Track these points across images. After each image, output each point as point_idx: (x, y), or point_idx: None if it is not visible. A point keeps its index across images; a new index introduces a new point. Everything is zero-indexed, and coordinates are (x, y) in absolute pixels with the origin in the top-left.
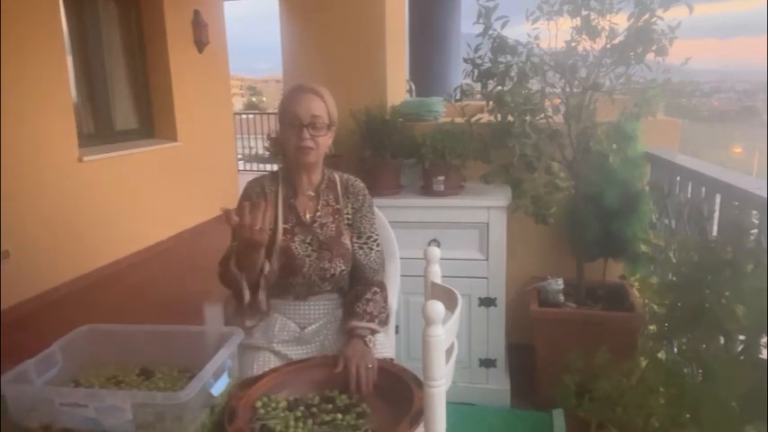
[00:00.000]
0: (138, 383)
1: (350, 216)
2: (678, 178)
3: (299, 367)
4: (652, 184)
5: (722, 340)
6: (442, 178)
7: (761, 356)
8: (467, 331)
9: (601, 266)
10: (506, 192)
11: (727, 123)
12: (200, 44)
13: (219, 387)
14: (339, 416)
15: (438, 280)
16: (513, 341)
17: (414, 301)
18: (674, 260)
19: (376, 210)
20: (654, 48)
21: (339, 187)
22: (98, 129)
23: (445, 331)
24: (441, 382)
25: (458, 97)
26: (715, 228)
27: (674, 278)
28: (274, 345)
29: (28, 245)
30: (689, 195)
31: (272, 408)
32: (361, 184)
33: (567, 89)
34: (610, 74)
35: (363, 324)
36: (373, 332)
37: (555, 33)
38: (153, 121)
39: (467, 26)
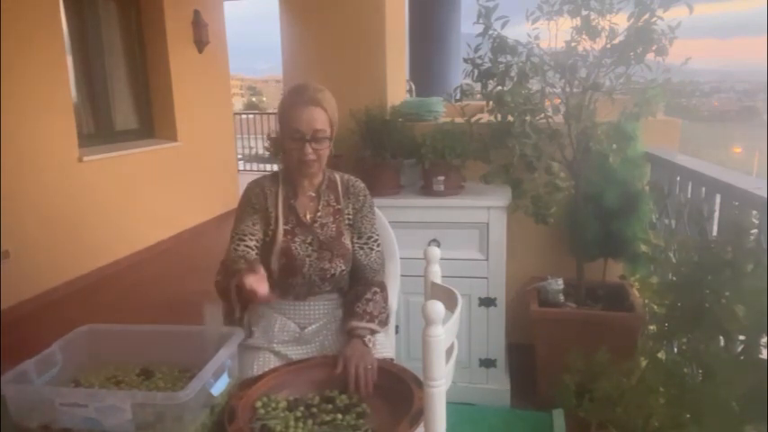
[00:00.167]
0: (138, 383)
1: (350, 216)
2: (678, 178)
3: (298, 367)
4: (652, 184)
5: (722, 340)
6: (442, 178)
7: (761, 356)
8: (467, 331)
9: (601, 266)
10: (506, 192)
11: (727, 123)
12: (200, 44)
13: (219, 387)
14: (339, 416)
15: (438, 280)
16: (513, 341)
17: (414, 301)
18: (674, 260)
19: (376, 210)
20: (654, 48)
21: (340, 187)
22: (98, 129)
23: (445, 331)
24: (441, 382)
25: (458, 97)
26: (715, 228)
27: (674, 278)
28: (274, 345)
29: (28, 245)
30: (689, 195)
31: (272, 408)
32: (362, 185)
33: (567, 89)
34: (610, 74)
35: (363, 324)
36: (373, 332)
37: (555, 33)
38: (153, 121)
39: (467, 26)
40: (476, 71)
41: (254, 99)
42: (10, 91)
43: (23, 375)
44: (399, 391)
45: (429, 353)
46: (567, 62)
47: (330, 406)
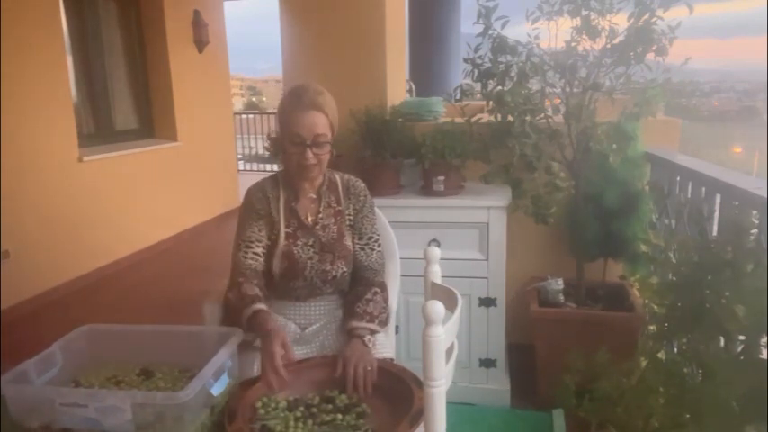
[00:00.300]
0: (138, 383)
1: (351, 217)
2: (678, 178)
3: (298, 367)
4: (652, 184)
5: (722, 340)
6: (442, 178)
7: (761, 356)
8: (467, 331)
9: (601, 266)
10: (506, 192)
11: (727, 123)
12: (200, 44)
13: (219, 387)
14: (339, 416)
15: (438, 280)
16: (513, 341)
17: (414, 301)
18: (674, 260)
19: (376, 210)
20: (654, 48)
21: (340, 188)
22: (98, 129)
23: (445, 331)
24: (441, 382)
25: (458, 97)
26: (715, 228)
27: (674, 278)
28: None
29: (28, 245)
30: (689, 195)
31: (272, 408)
32: (362, 185)
33: (567, 89)
34: (610, 74)
35: (363, 324)
36: (373, 332)
37: (555, 33)
38: (153, 121)
39: (467, 26)
40: (476, 71)
41: (254, 99)
42: (10, 91)
43: (23, 375)
44: (399, 391)
45: (429, 353)
46: (567, 62)
47: (330, 406)
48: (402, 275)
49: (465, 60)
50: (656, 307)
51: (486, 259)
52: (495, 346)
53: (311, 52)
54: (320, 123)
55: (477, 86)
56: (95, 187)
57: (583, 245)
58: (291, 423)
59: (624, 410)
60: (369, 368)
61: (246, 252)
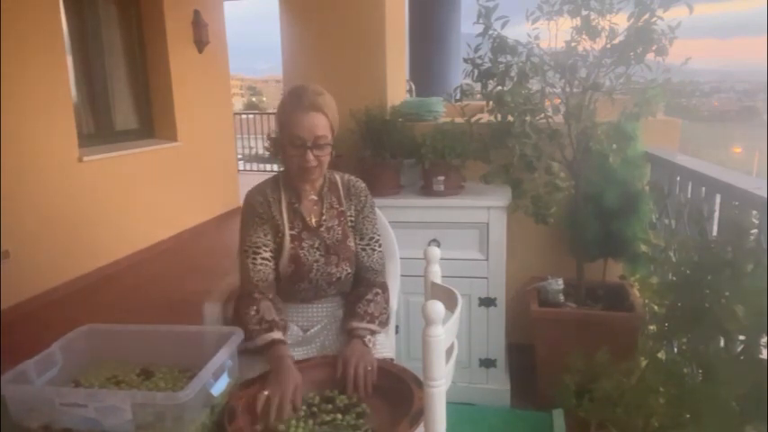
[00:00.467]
0: (138, 383)
1: (353, 218)
2: (678, 178)
3: (299, 367)
4: (652, 184)
5: (722, 340)
6: (442, 178)
7: (761, 356)
8: (467, 331)
9: (601, 266)
10: (506, 192)
11: (727, 123)
12: (200, 44)
13: (219, 387)
14: (339, 416)
15: (438, 280)
16: (513, 341)
17: (414, 301)
18: (674, 260)
19: (376, 210)
20: (654, 48)
21: (341, 189)
22: (98, 129)
23: (445, 331)
24: (441, 382)
25: (458, 97)
26: (715, 228)
27: (674, 278)
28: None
29: (28, 245)
30: (689, 195)
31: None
32: (362, 185)
33: (567, 89)
34: (610, 74)
35: (363, 325)
36: (373, 333)
37: (555, 33)
38: (153, 121)
39: (467, 26)
40: (476, 71)
41: (254, 99)
42: (10, 91)
43: (23, 375)
44: (399, 391)
45: (429, 353)
46: (567, 62)
47: (330, 406)
48: (402, 275)
49: (465, 60)
50: (656, 307)
51: (486, 259)
52: (495, 346)
53: (311, 52)
54: (320, 125)
55: (477, 86)
56: (95, 187)
57: (583, 245)
58: (293, 423)
59: (624, 410)
60: (369, 368)
61: (255, 258)
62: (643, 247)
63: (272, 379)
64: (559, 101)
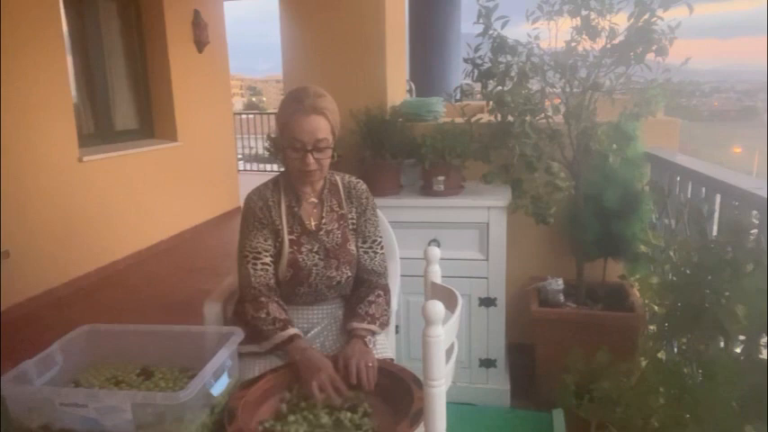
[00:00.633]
0: (138, 383)
1: (354, 221)
2: (678, 178)
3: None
4: (652, 184)
5: (722, 340)
6: (442, 178)
7: (761, 356)
8: (467, 331)
9: (601, 266)
10: (506, 192)
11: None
12: (200, 44)
13: (219, 387)
14: (345, 414)
15: (438, 280)
16: (513, 341)
17: (414, 301)
18: (674, 260)
19: (377, 211)
20: (654, 48)
21: (342, 191)
22: (98, 129)
23: (445, 331)
24: (441, 382)
25: (458, 97)
26: (715, 228)
27: (674, 278)
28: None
29: (28, 245)
30: (689, 195)
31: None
32: (364, 186)
33: (567, 89)
34: (610, 74)
35: (364, 326)
36: (374, 334)
37: (555, 33)
38: (153, 121)
39: (467, 26)
40: (476, 71)
41: (254, 99)
42: (10, 91)
43: (23, 375)
44: (399, 391)
45: (429, 353)
46: (567, 62)
47: (326, 408)
48: (402, 275)
49: (465, 60)
50: (656, 307)
51: (486, 259)
52: (495, 346)
53: (311, 52)
54: (321, 128)
55: (477, 86)
56: (95, 187)
57: (583, 245)
58: (291, 418)
59: (624, 410)
60: (370, 365)
61: (256, 263)
62: (643, 247)
63: (305, 370)
64: (559, 101)
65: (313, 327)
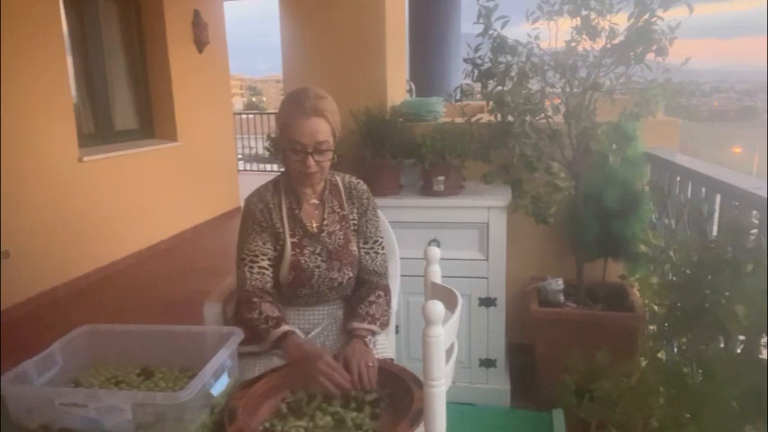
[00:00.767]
0: (138, 383)
1: (355, 221)
2: (678, 178)
3: None
4: (652, 184)
5: (722, 340)
6: (442, 178)
7: (761, 356)
8: (467, 331)
9: (601, 266)
10: (506, 192)
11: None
12: (200, 44)
13: (219, 387)
14: (349, 413)
15: (438, 280)
16: (513, 341)
17: (414, 301)
18: (674, 260)
19: (378, 211)
20: (654, 48)
21: (342, 192)
22: (98, 129)
23: (445, 331)
24: (441, 382)
25: (458, 97)
26: (715, 228)
27: (674, 278)
28: (278, 351)
29: (28, 245)
30: (689, 195)
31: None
32: (364, 187)
33: (567, 89)
34: (610, 74)
35: (364, 326)
36: (374, 334)
37: (555, 33)
38: (153, 121)
39: (467, 26)
40: (476, 71)
41: (254, 99)
42: (10, 91)
43: (23, 375)
44: (399, 391)
45: (429, 353)
46: (567, 62)
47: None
48: (402, 275)
49: (465, 60)
50: (656, 307)
51: (486, 259)
52: (495, 346)
53: (311, 52)
54: (322, 130)
55: (477, 86)
56: (95, 187)
57: (583, 245)
58: (291, 419)
59: (624, 410)
60: (371, 364)
61: (252, 267)
62: (643, 247)
63: (303, 362)
64: (559, 101)
65: (314, 327)
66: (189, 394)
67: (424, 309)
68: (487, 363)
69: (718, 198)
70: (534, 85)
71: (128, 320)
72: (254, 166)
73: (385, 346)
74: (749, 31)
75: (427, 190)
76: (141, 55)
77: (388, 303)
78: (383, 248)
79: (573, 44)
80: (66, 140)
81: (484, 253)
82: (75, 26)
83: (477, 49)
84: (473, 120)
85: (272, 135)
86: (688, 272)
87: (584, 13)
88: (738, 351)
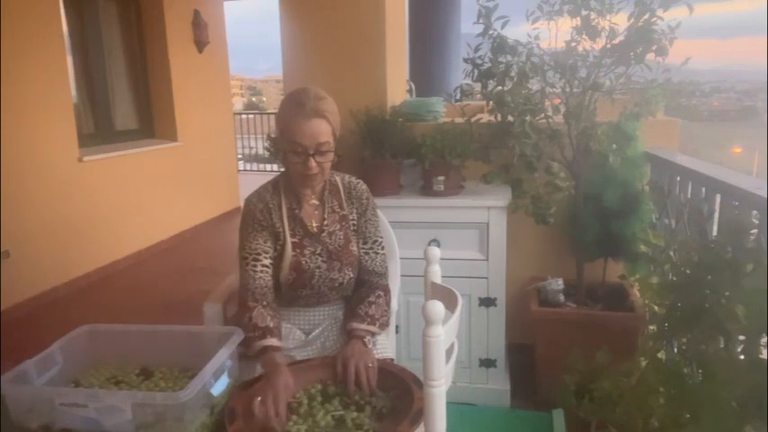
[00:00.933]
0: (138, 383)
1: (355, 221)
2: (678, 178)
3: (299, 368)
4: (652, 184)
5: (722, 340)
6: (442, 178)
7: (761, 356)
8: (467, 331)
9: (601, 266)
10: (506, 192)
11: (728, 123)
12: (200, 44)
13: (219, 387)
14: (350, 413)
15: (438, 280)
16: (513, 341)
17: (414, 301)
18: (674, 260)
19: (377, 211)
20: (654, 48)
21: (342, 192)
22: (98, 129)
23: (445, 331)
24: (441, 382)
25: (458, 97)
26: (715, 228)
27: (674, 278)
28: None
29: (28, 245)
30: (689, 195)
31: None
32: (364, 186)
33: (567, 89)
34: (610, 74)
35: (364, 326)
36: (373, 335)
37: (555, 33)
38: (153, 121)
39: (467, 26)
40: (476, 71)
41: (254, 99)
42: (10, 91)
43: (23, 375)
44: (399, 391)
45: (429, 353)
46: (567, 62)
47: (328, 405)
48: (402, 275)
49: (465, 60)
50: (656, 307)
51: (486, 259)
52: (495, 346)
53: (311, 52)
54: (323, 131)
55: (477, 86)
56: (95, 187)
57: (583, 245)
58: (292, 419)
59: (624, 410)
60: (370, 365)
61: (255, 265)
62: (643, 247)
63: (264, 383)
64: (559, 101)
65: (314, 328)
66: (189, 394)
67: (424, 309)
68: (487, 363)
69: (718, 198)
70: (534, 85)
71: (128, 320)
72: (254, 166)
73: (385, 346)
74: (749, 31)
75: (427, 190)
76: (141, 55)
77: (388, 303)
78: (383, 248)
79: (573, 44)
80: (66, 140)
81: (484, 253)
82: (75, 26)
83: (477, 49)
84: (473, 120)
85: (272, 135)
86: (688, 272)
87: (584, 13)
88: (738, 351)
